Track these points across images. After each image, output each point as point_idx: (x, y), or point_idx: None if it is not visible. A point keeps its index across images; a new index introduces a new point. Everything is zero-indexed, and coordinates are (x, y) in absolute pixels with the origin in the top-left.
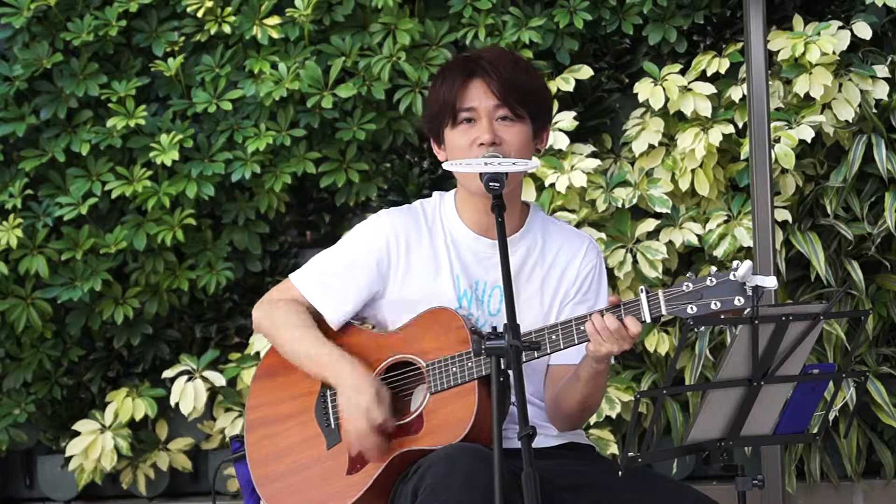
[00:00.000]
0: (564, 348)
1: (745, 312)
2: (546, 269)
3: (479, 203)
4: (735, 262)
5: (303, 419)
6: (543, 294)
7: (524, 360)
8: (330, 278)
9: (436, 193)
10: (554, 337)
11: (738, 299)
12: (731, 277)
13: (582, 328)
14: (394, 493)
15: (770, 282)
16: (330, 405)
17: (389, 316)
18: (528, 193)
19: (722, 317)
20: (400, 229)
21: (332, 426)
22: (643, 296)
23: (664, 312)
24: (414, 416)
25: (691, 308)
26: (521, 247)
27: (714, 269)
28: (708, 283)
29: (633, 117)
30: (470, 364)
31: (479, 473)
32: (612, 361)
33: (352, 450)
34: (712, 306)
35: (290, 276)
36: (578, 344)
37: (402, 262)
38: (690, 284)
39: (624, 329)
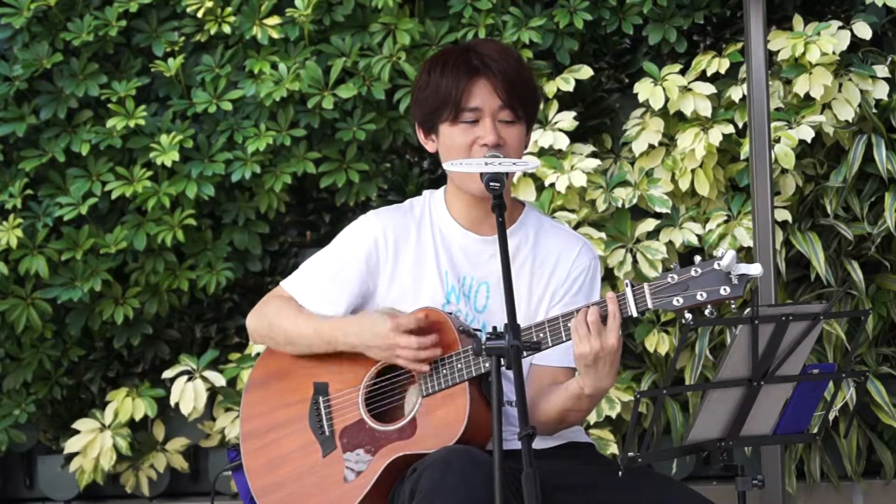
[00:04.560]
0: (553, 345)
1: (746, 312)
2: (535, 267)
3: (469, 199)
4: (719, 251)
5: (297, 427)
6: (531, 293)
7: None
8: (321, 281)
9: (426, 191)
10: (542, 335)
11: (725, 289)
12: (716, 267)
13: (569, 325)
14: (391, 496)
15: (755, 269)
16: (323, 412)
17: None
18: (528, 193)
19: (710, 307)
20: (388, 228)
21: (327, 433)
22: (628, 290)
23: (650, 306)
24: (407, 419)
25: (677, 300)
26: (511, 244)
27: (698, 258)
28: (693, 273)
29: (633, 117)
30: (460, 365)
31: (474, 476)
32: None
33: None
34: (698, 297)
35: (282, 282)
36: (567, 341)
37: (390, 261)
38: (675, 276)
39: (602, 323)
